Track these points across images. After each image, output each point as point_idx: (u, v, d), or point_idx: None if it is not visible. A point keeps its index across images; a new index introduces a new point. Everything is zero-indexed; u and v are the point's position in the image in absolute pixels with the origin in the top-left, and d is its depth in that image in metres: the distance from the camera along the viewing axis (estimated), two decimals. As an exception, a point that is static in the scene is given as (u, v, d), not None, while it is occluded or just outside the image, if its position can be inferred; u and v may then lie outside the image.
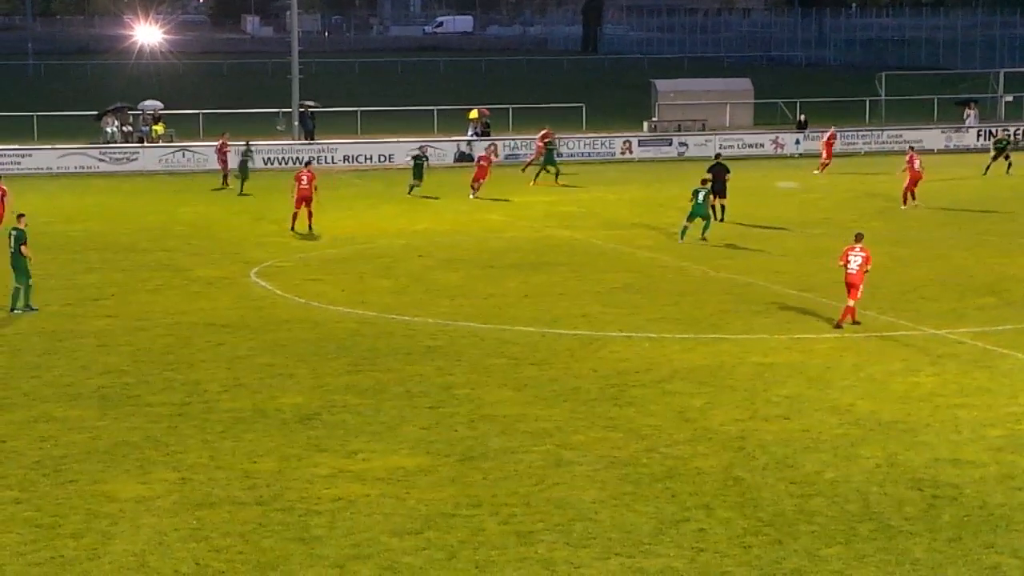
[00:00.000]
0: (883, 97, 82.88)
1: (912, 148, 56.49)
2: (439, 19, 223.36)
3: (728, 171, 49.33)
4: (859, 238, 32.80)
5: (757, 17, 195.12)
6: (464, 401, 26.80)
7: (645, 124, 76.83)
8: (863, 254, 32.31)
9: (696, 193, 44.61)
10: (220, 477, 22.37)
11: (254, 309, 35.13)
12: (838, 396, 26.91)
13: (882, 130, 70.25)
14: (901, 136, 70.81)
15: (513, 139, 70.72)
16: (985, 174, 60.16)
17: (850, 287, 32.32)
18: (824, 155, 63.70)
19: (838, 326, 32.42)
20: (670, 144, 71.77)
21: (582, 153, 70.00)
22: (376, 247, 44.66)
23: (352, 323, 33.44)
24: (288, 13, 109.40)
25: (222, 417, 25.69)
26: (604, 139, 71.65)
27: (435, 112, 76.56)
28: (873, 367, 28.98)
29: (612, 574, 18.72)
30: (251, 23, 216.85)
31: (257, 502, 21.21)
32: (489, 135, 72.37)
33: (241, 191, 57.57)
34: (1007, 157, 60.96)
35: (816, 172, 62.65)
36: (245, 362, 29.74)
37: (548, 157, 60.64)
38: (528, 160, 63.80)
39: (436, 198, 55.45)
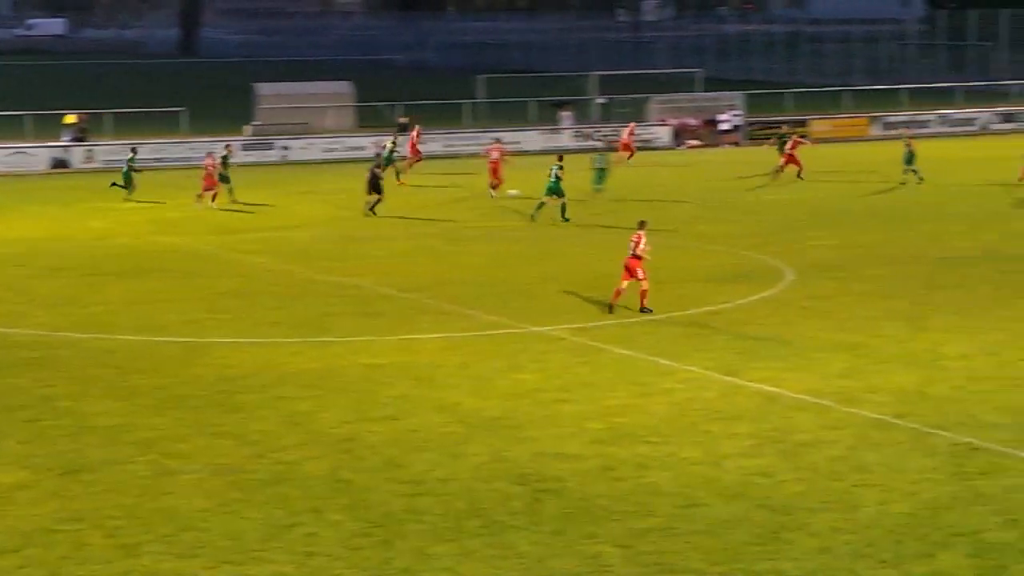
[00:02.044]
0: (482, 100, 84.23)
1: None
2: (30, 21, 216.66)
3: (381, 166, 51.65)
4: (642, 225, 33.91)
5: (358, 20, 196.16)
6: (65, 413, 26.10)
7: (246, 128, 76.18)
8: (636, 240, 33.47)
9: (552, 170, 47.99)
10: None
11: None
12: (445, 395, 27.22)
13: (484, 131, 71.31)
14: (501, 138, 72.14)
15: (111, 144, 69.10)
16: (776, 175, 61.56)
17: (628, 270, 33.60)
18: (621, 147, 66.62)
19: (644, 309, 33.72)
20: (272, 148, 71.40)
21: (183, 158, 68.92)
22: (-32, 257, 43.10)
23: (-55, 336, 32.20)
24: None
25: None
26: (206, 143, 70.66)
27: (26, 117, 74.01)
28: (479, 365, 29.42)
29: (222, 583, 18.53)
30: None
31: None
32: (84, 140, 70.60)
33: None
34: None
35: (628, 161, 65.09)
36: None
37: (389, 157, 59.63)
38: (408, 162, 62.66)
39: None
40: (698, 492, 21.67)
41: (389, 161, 59.02)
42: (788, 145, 60.78)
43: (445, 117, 79.51)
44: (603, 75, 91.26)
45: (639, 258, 33.62)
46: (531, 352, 30.57)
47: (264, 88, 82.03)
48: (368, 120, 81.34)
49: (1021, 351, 29.98)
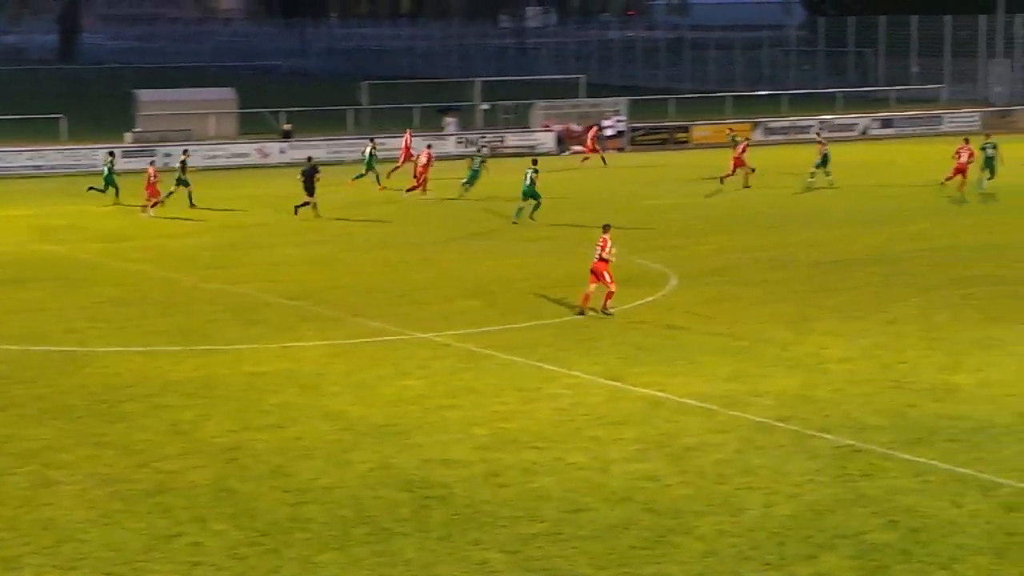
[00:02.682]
0: (366, 106, 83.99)
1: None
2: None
3: (317, 171, 51.71)
4: (606, 228, 34.32)
5: (239, 26, 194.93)
6: (-57, 425, 25.67)
7: (127, 135, 75.36)
8: (601, 244, 33.91)
9: (527, 174, 49.75)
10: None
11: None
12: (330, 402, 27.09)
13: (370, 137, 70.86)
14: (385, 144, 71.94)
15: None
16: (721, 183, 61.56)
17: (594, 273, 33.98)
18: (587, 147, 68.48)
19: (589, 311, 34.27)
20: (154, 155, 70.66)
21: (62, 166, 68.09)
22: None
23: None
24: None
25: None
26: (86, 150, 69.87)
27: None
28: (364, 372, 29.31)
29: (105, 595, 18.30)
30: None
31: None
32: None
33: None
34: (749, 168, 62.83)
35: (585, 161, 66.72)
36: None
37: (369, 162, 60.24)
38: (396, 166, 62.60)
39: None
40: (585, 497, 21.71)
41: (370, 166, 60.15)
42: (739, 149, 59.76)
43: (328, 124, 79.20)
44: (487, 81, 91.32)
45: (606, 261, 33.86)
46: (417, 358, 30.49)
47: (145, 95, 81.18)
48: (251, 127, 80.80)
49: (901, 353, 30.35)
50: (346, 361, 30.31)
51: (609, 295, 34.28)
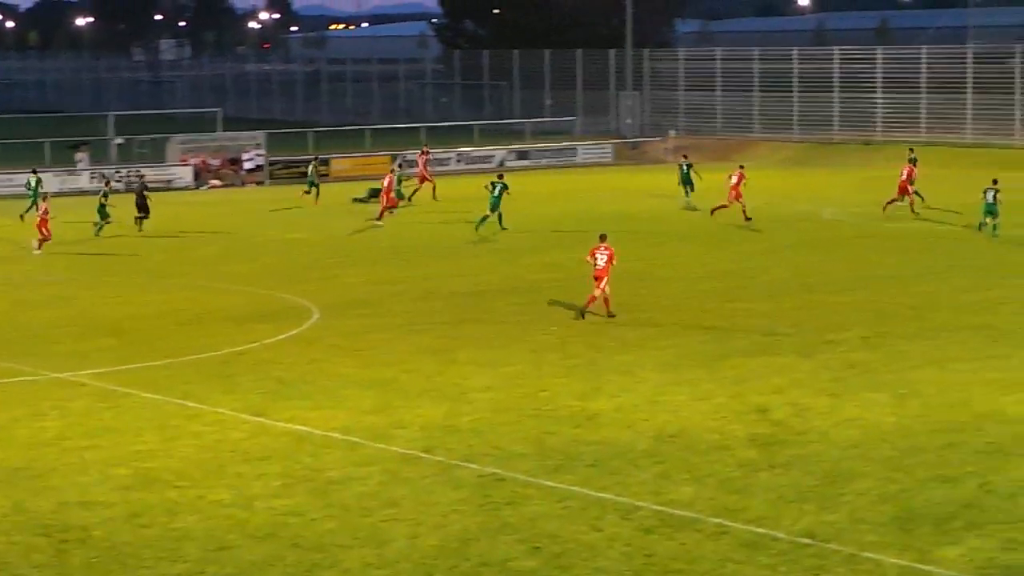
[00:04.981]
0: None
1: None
2: None
3: (147, 188, 56.99)
4: (603, 238, 37.39)
5: None
6: None
7: None
8: (607, 252, 37.01)
9: (494, 185, 54.17)
10: None
11: None
12: (-40, 447, 26.07)
13: (32, 169, 67.92)
14: (12, 180, 69.72)
15: None
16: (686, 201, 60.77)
17: (597, 279, 36.98)
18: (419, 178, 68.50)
19: (582, 315, 37.27)
20: None
21: None
22: None
23: None
24: None
25: None
26: None
27: None
28: (-4, 415, 28.33)
29: None
30: None
31: None
32: None
33: None
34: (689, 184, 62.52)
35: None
36: None
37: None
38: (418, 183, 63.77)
39: None
40: (229, 535, 21.37)
41: (313, 183, 65.25)
42: (734, 178, 57.77)
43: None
44: (120, 115, 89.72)
45: (606, 267, 36.88)
46: (53, 399, 29.60)
47: None
48: None
49: (542, 381, 30.82)
50: (-23, 404, 29.24)
51: (605, 299, 37.11)
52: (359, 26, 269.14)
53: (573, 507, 22.49)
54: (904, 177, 58.23)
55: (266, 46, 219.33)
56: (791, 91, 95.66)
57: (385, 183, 59.23)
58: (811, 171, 67.61)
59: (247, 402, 29.19)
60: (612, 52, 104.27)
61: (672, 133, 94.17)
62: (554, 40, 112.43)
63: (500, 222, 54.25)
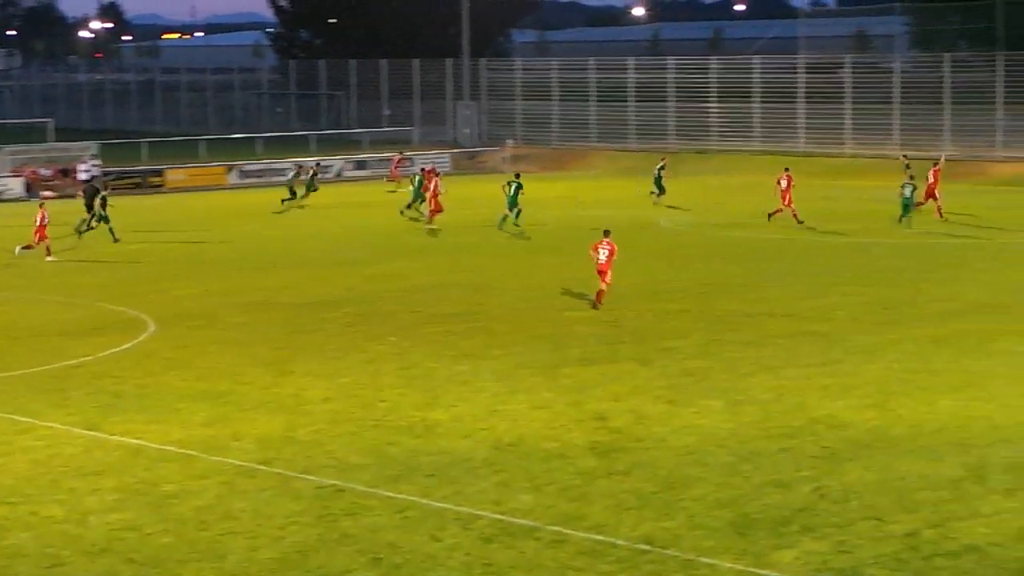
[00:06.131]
0: None
1: None
2: None
3: (98, 191, 56.87)
4: (607, 234, 39.58)
5: None
6: None
7: None
8: (609, 247, 39.12)
9: (510, 184, 56.53)
10: None
11: None
12: None
13: None
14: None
15: None
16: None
17: (601, 274, 39.22)
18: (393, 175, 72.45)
19: (595, 307, 39.39)
20: None
21: None
22: None
23: None
24: None
25: None
26: None
27: None
28: None
29: None
30: None
31: None
32: None
33: None
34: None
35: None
36: None
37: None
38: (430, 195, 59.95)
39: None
40: (62, 551, 20.99)
41: (310, 188, 67.94)
42: (783, 183, 57.80)
43: None
44: None
45: (608, 261, 38.90)
46: None
47: None
48: None
49: (380, 392, 30.71)
50: None
51: (599, 292, 39.27)
52: (193, 35, 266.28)
53: (413, 517, 22.42)
54: (785, 186, 57.90)
55: (98, 55, 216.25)
56: (627, 101, 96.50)
57: (431, 188, 58.56)
58: (649, 180, 68.16)
59: (81, 416, 28.72)
60: (449, 62, 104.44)
61: (509, 143, 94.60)
62: (391, 50, 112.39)
63: (516, 218, 56.45)
